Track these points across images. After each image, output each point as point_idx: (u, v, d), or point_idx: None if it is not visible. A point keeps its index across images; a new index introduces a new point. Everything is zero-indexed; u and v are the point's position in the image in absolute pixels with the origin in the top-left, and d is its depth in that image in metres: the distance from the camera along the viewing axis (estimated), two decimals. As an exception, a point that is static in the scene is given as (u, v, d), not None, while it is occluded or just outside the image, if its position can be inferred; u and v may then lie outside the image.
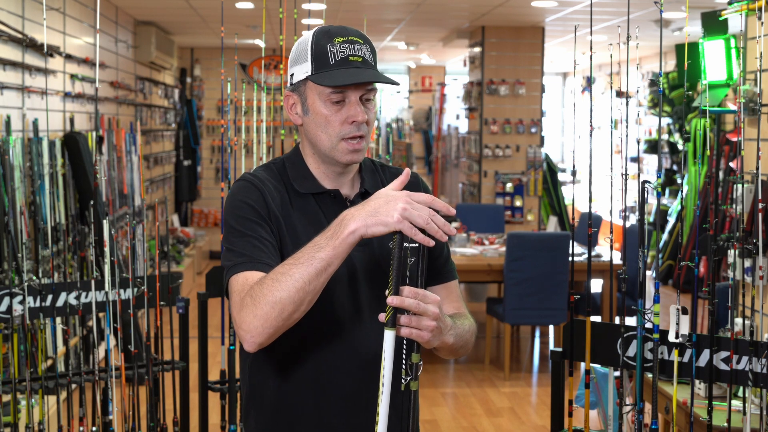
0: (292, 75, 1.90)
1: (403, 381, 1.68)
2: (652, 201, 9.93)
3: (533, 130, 9.00)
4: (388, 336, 1.65)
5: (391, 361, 1.66)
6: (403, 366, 1.69)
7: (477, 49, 9.15)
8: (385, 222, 1.63)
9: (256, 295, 1.69)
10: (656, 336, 2.76)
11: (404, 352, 1.69)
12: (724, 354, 2.76)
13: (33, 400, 3.57)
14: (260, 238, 1.80)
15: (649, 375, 2.80)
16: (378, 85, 1.89)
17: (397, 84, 1.91)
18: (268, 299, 1.67)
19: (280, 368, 1.87)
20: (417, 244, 1.66)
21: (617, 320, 2.92)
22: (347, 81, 1.80)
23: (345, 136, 1.85)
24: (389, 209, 1.64)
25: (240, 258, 1.78)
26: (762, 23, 3.22)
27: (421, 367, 1.70)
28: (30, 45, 5.28)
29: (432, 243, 1.64)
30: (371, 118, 1.87)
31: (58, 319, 3.62)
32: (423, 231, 1.66)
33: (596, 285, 6.94)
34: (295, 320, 1.72)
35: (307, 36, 1.88)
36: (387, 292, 1.65)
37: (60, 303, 3.42)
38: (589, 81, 4.22)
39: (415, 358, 1.69)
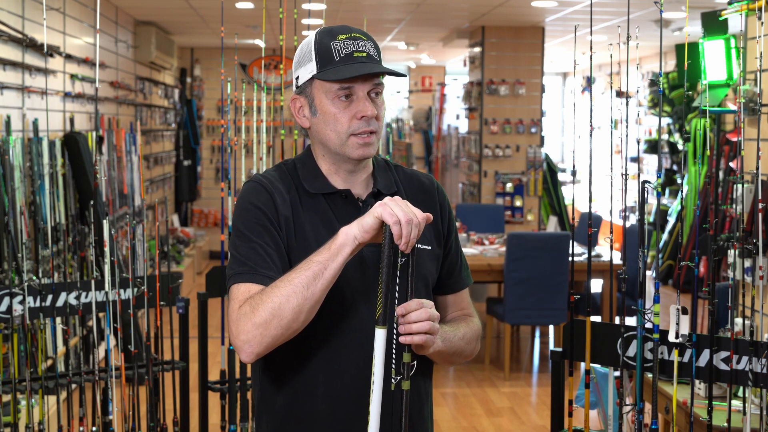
0: (297, 78, 1.88)
1: (393, 380, 1.69)
2: (652, 201, 9.92)
3: (533, 130, 8.99)
4: (379, 335, 1.67)
5: (382, 360, 1.67)
6: (393, 366, 1.69)
7: (477, 49, 9.15)
8: (370, 212, 1.69)
9: (255, 304, 1.69)
10: (656, 336, 2.76)
11: (394, 351, 1.69)
12: (724, 354, 2.76)
13: (33, 400, 3.57)
14: (265, 246, 1.79)
15: (649, 375, 2.80)
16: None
17: (405, 75, 1.93)
18: (267, 306, 1.68)
19: (292, 374, 1.86)
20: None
21: (617, 320, 2.91)
22: (353, 73, 1.79)
23: (354, 132, 1.83)
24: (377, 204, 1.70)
25: (242, 267, 1.78)
26: (762, 23, 3.21)
27: (414, 368, 1.70)
28: (30, 45, 5.27)
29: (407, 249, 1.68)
30: (381, 114, 1.85)
31: (58, 319, 3.62)
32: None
33: (596, 285, 6.93)
34: (294, 331, 1.71)
35: (310, 37, 1.86)
36: (378, 290, 1.67)
37: (60, 303, 3.42)
38: (589, 81, 4.22)
39: (406, 357, 1.69)
